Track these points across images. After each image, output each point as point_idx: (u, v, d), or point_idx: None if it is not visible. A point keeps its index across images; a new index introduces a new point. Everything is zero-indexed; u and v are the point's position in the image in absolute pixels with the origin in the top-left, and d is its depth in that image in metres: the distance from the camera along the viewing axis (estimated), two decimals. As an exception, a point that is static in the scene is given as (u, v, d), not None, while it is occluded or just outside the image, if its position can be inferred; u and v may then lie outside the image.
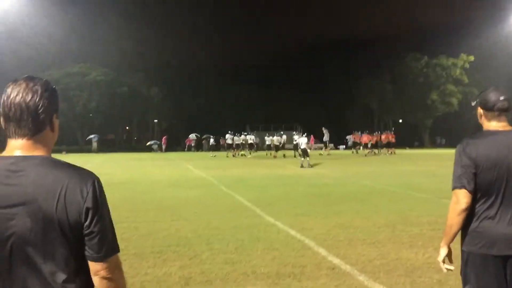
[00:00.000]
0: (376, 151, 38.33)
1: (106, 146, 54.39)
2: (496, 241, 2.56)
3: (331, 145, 54.01)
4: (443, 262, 2.78)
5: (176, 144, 59.64)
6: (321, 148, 38.14)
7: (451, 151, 2.75)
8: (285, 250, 6.31)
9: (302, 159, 23.57)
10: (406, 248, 6.43)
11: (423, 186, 13.92)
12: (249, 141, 39.12)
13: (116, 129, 66.19)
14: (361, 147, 40.56)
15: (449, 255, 2.79)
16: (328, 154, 35.54)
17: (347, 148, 54.02)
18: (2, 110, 1.61)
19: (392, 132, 40.07)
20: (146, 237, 7.18)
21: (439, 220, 8.14)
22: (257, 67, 73.46)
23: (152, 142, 52.18)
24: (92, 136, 49.45)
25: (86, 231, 1.56)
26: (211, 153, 40.62)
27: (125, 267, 5.30)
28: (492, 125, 2.71)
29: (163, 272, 5.34)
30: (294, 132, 39.25)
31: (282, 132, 40.34)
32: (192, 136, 51.88)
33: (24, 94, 1.59)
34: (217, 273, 5.31)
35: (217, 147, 44.48)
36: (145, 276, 5.21)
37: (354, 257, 5.92)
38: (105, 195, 1.63)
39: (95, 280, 1.59)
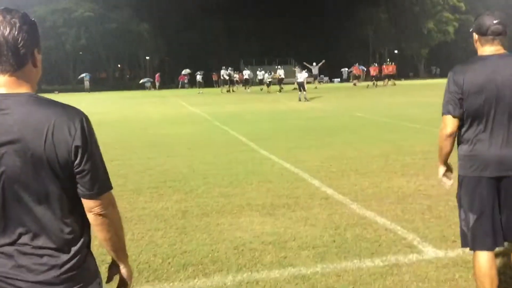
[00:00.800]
0: (382, 82, 38.35)
1: (99, 85, 53.62)
2: (489, 163, 2.64)
3: (326, 78, 53.63)
4: (443, 177, 2.97)
5: (169, 82, 58.92)
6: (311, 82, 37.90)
7: (446, 81, 2.81)
8: (279, 182, 6.43)
9: (299, 92, 23.56)
10: (398, 176, 6.56)
11: (417, 116, 13.99)
12: (245, 76, 38.79)
13: (108, 68, 64.90)
14: (358, 80, 40.96)
15: (448, 170, 2.95)
16: (315, 88, 35.45)
17: (342, 81, 53.62)
18: None
19: (393, 63, 40.56)
20: (142, 173, 7.25)
21: (432, 149, 8.21)
22: (250, 0, 71.04)
23: (145, 79, 51.33)
24: (83, 75, 48.53)
25: (77, 169, 1.53)
26: (198, 90, 39.32)
27: (123, 203, 5.44)
28: (486, 49, 2.69)
29: (160, 206, 5.47)
30: (279, 67, 38.50)
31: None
32: (186, 71, 51.01)
33: (1, 28, 1.50)
34: (213, 206, 5.43)
35: (204, 84, 42.96)
36: (142, 210, 5.34)
37: (347, 187, 6.05)
38: (94, 132, 1.59)
39: (90, 217, 1.60)
